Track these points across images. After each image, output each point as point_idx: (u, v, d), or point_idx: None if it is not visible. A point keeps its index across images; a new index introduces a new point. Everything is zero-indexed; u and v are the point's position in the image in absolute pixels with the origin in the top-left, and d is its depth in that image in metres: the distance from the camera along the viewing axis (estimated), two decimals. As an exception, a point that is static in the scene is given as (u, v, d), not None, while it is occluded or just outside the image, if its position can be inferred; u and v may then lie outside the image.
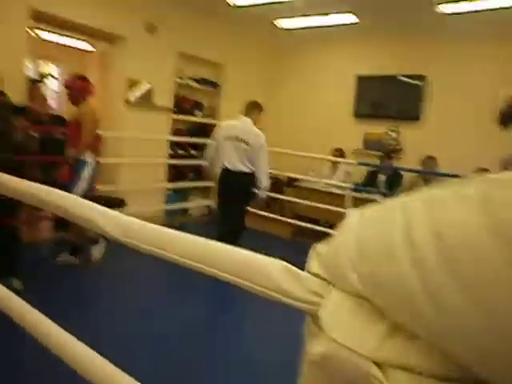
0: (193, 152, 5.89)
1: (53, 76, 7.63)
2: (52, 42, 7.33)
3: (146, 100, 5.23)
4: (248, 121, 3.64)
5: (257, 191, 3.70)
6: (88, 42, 7.32)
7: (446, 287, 0.33)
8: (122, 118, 5.10)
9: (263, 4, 4.77)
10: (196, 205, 5.87)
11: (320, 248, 0.54)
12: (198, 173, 5.98)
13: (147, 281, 3.61)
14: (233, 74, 6.24)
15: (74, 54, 8.16)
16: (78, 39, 7.29)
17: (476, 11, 4.28)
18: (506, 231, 0.30)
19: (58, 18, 4.42)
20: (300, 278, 0.54)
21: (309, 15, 5.16)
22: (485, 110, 5.00)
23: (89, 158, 3.52)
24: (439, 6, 4.31)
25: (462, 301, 0.32)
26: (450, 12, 4.41)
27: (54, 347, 0.99)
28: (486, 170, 4.41)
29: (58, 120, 4.45)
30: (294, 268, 0.55)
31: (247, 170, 3.60)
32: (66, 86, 3.57)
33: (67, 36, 7.07)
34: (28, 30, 4.33)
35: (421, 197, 0.40)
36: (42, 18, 4.39)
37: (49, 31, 6.67)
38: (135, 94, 5.13)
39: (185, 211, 5.86)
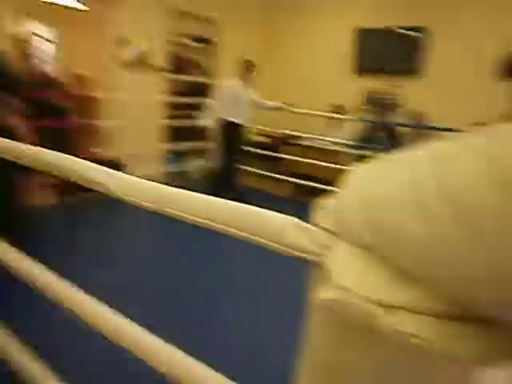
0: (191, 113, 5.80)
1: (42, 36, 7.40)
2: (45, 2, 7.07)
3: (141, 59, 5.11)
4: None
5: None
6: (79, 1, 7.05)
7: (450, 233, 0.35)
8: (115, 77, 5.01)
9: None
10: (195, 166, 5.86)
11: (325, 201, 0.56)
12: (197, 134, 5.93)
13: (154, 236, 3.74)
14: (229, 31, 6.06)
15: (67, 14, 7.87)
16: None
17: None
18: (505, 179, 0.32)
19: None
20: (308, 231, 0.56)
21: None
22: (487, 59, 4.92)
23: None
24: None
25: (463, 242, 0.34)
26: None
27: (52, 291, 1.05)
28: (484, 125, 4.38)
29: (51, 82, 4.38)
30: (303, 223, 0.58)
31: None
32: None
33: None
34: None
35: (426, 149, 0.41)
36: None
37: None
38: (130, 53, 5.01)
39: (184, 172, 5.86)
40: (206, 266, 3.23)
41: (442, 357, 0.40)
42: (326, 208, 0.55)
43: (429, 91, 5.30)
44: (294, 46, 6.50)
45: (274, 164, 6.09)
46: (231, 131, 4.63)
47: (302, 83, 6.37)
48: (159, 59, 5.29)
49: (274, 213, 0.61)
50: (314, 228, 0.57)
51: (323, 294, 0.49)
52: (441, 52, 5.26)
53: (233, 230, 0.65)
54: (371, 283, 0.44)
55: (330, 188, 4.87)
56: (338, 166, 4.62)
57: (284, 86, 6.43)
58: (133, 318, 0.92)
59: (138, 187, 0.81)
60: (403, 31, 5.45)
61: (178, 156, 5.83)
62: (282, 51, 6.63)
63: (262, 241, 0.61)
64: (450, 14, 5.13)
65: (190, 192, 0.74)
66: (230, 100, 4.53)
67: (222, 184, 4.73)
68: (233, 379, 0.76)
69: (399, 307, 0.42)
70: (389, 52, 5.66)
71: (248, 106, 4.62)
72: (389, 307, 0.43)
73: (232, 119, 4.60)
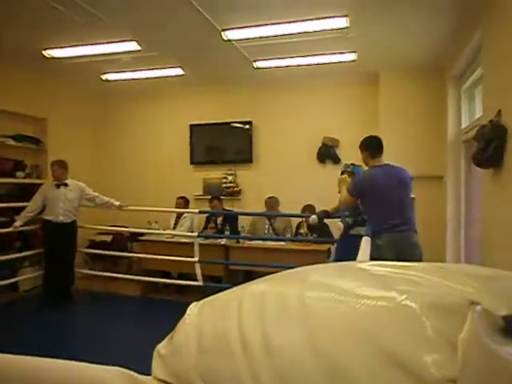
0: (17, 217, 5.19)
1: None
2: None
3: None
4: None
5: None
6: None
7: None
8: None
9: (85, 56, 4.61)
10: (26, 277, 5.11)
11: (162, 348, 0.50)
12: (27, 240, 5.28)
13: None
14: (58, 129, 5.80)
15: None
16: None
17: (287, 66, 4.92)
18: (317, 340, 0.33)
19: None
20: (144, 386, 0.48)
21: (136, 70, 5.19)
22: (306, 149, 5.72)
23: None
24: (255, 62, 4.80)
25: None
26: (263, 66, 4.94)
27: None
28: (311, 207, 4.96)
29: None
30: (136, 375, 0.50)
31: None
32: None
33: None
34: None
35: (253, 291, 0.40)
36: None
37: None
38: None
39: (15, 286, 5.06)
40: None
41: None
42: (164, 355, 0.49)
43: (261, 177, 5.82)
44: (132, 143, 6.54)
45: (125, 263, 5.77)
46: (48, 230, 4.80)
47: (145, 179, 6.35)
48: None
49: (101, 366, 0.52)
50: (151, 379, 0.49)
51: None
52: (266, 143, 5.89)
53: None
54: None
55: (182, 282, 4.78)
56: (189, 259, 4.60)
57: (126, 183, 6.31)
58: None
59: None
60: (234, 124, 6.00)
61: (5, 267, 5.03)
62: (119, 148, 6.59)
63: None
64: (270, 111, 5.87)
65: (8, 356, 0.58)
66: (42, 199, 4.83)
67: (55, 292, 4.75)
68: None
69: None
70: (223, 144, 6.12)
71: (65, 204, 4.81)
72: None
73: (46, 217, 4.80)
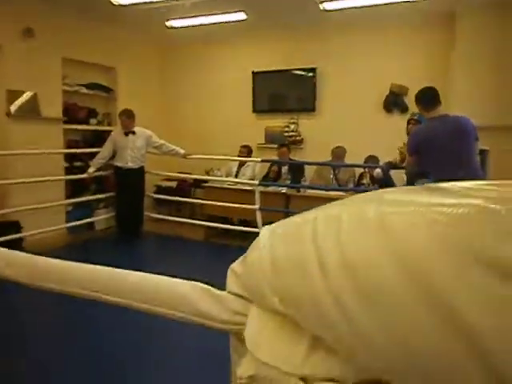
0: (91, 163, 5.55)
1: None
2: None
3: (30, 110, 4.80)
4: None
5: None
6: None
7: (357, 311, 0.35)
8: (6, 132, 4.63)
9: (150, 2, 4.63)
10: (101, 217, 5.54)
11: (237, 266, 0.53)
12: (102, 184, 5.67)
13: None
14: (126, 78, 6.00)
15: None
16: None
17: (355, 7, 4.62)
18: (401, 254, 0.32)
19: None
20: (220, 298, 0.53)
21: (199, 16, 5.14)
22: (371, 97, 5.47)
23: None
24: (321, 4, 4.56)
25: (368, 319, 0.34)
26: (331, 9, 4.68)
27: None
28: (374, 157, 4.81)
29: None
30: (212, 289, 0.54)
31: None
32: None
33: None
34: None
35: (326, 214, 0.41)
36: None
37: None
38: (21, 104, 4.69)
39: (90, 225, 5.51)
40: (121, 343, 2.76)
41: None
42: (238, 272, 0.52)
43: (324, 126, 5.69)
44: (197, 91, 6.60)
45: (188, 208, 6.05)
46: (119, 175, 5.13)
47: (207, 127, 6.45)
48: (52, 109, 5.02)
49: (181, 281, 0.57)
50: (226, 294, 0.54)
51: (242, 369, 0.45)
52: (331, 90, 5.70)
53: (140, 304, 0.59)
54: (290, 355, 0.42)
55: (242, 228, 4.93)
56: (250, 206, 4.70)
57: (189, 131, 6.46)
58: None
59: (30, 266, 0.71)
60: (297, 72, 5.84)
61: (82, 209, 5.48)
62: (183, 97, 6.69)
63: (170, 312, 0.56)
64: (336, 56, 5.63)
65: (85, 265, 0.66)
66: (112, 146, 5.08)
67: (126, 231, 5.14)
68: None
69: (321, 379, 0.40)
70: (286, 92, 6.01)
71: (133, 151, 5.04)
72: (311, 379, 0.41)
73: (116, 163, 5.10)
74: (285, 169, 5.42)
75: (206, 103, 6.53)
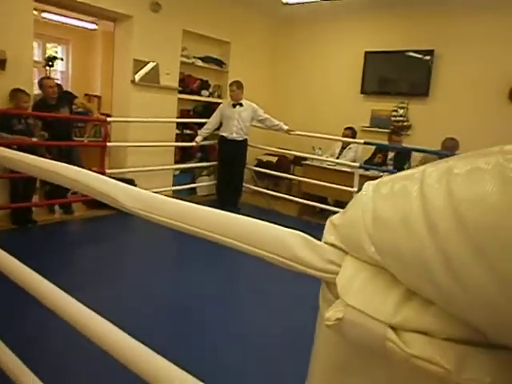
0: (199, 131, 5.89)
1: (60, 58, 7.61)
2: (56, 23, 7.30)
3: (151, 79, 5.21)
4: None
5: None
6: (93, 22, 7.26)
7: (469, 264, 0.33)
8: (129, 98, 5.10)
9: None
10: (203, 184, 5.89)
11: (336, 219, 0.55)
12: (206, 152, 6.00)
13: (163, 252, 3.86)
14: (239, 52, 6.18)
15: (78, 34, 8.10)
16: (82, 20, 7.24)
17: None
18: None
19: (62, -2, 4.38)
20: (317, 247, 0.55)
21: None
22: (494, 85, 4.96)
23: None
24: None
25: (486, 279, 0.33)
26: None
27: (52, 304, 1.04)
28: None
29: (67, 96, 4.51)
30: (311, 238, 0.57)
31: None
32: None
33: (71, 17, 7.02)
34: (34, 11, 4.30)
35: (437, 168, 0.40)
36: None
37: (53, 12, 6.63)
38: (140, 73, 5.11)
39: (193, 191, 5.90)
40: (215, 280, 3.20)
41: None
42: (337, 224, 0.54)
43: (437, 113, 5.32)
44: (306, 69, 6.58)
45: (286, 184, 6.15)
46: (223, 145, 5.31)
47: (313, 105, 6.42)
48: (170, 79, 5.39)
49: (282, 228, 0.61)
50: (322, 244, 0.56)
51: (330, 312, 0.48)
52: (449, 75, 5.29)
53: (242, 245, 0.64)
54: (381, 303, 0.43)
55: (338, 209, 4.88)
56: (348, 188, 4.62)
57: (295, 108, 6.49)
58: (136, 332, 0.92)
59: (148, 201, 0.81)
60: (412, 53, 5.51)
61: (187, 174, 5.88)
62: (293, 73, 6.71)
63: (269, 255, 0.60)
64: (458, 39, 5.18)
65: (199, 206, 0.74)
66: (219, 117, 5.27)
67: (225, 200, 5.29)
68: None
69: (412, 330, 0.41)
70: (397, 74, 5.71)
71: (239, 122, 5.18)
72: (400, 329, 0.41)
73: (222, 134, 5.27)
74: (391, 155, 5.20)
75: (316, 81, 6.46)
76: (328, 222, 0.56)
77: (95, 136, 5.83)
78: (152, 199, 0.79)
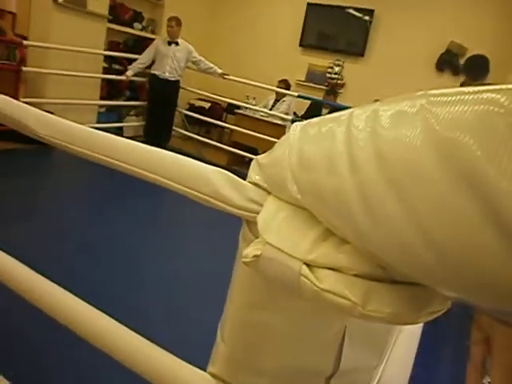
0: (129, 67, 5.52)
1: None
2: None
3: (77, 2, 4.71)
4: None
5: None
6: None
7: (383, 197, 0.34)
8: (49, 20, 4.59)
9: None
10: (130, 124, 5.60)
11: (262, 158, 0.54)
12: (135, 91, 5.67)
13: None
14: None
15: None
16: None
17: None
18: (446, 148, 0.30)
19: None
20: (240, 186, 0.54)
21: None
22: (425, 54, 5.17)
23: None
24: None
25: (396, 208, 0.33)
26: None
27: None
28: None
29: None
30: (235, 177, 0.56)
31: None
32: None
33: None
34: None
35: (364, 110, 0.40)
36: None
37: None
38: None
39: (119, 131, 5.60)
40: (134, 221, 3.15)
41: (368, 318, 0.41)
42: (262, 163, 0.54)
43: (370, 74, 5.46)
44: (248, 13, 6.34)
45: (217, 132, 6.06)
46: (154, 84, 5.06)
47: (250, 51, 6.26)
48: (101, 4, 4.91)
49: (207, 165, 0.59)
50: (246, 183, 0.55)
51: (248, 249, 0.48)
52: (386, 38, 5.40)
53: (164, 180, 0.62)
54: (298, 241, 0.44)
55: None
56: (278, 140, 4.66)
57: (231, 53, 6.30)
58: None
59: (63, 128, 0.74)
60: (352, 11, 5.52)
61: (114, 113, 5.55)
62: (230, 20, 6.45)
63: (191, 191, 0.58)
64: (399, 2, 5.26)
65: (121, 138, 0.69)
66: (153, 54, 4.95)
67: (153, 143, 4.93)
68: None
69: (325, 267, 0.42)
70: (337, 31, 5.72)
71: (173, 61, 4.95)
72: (315, 266, 0.43)
73: (154, 72, 4.99)
74: (325, 112, 5.30)
75: (256, 28, 6.30)
76: (254, 161, 0.55)
77: (8, 60, 5.23)
78: (69, 128, 0.72)
